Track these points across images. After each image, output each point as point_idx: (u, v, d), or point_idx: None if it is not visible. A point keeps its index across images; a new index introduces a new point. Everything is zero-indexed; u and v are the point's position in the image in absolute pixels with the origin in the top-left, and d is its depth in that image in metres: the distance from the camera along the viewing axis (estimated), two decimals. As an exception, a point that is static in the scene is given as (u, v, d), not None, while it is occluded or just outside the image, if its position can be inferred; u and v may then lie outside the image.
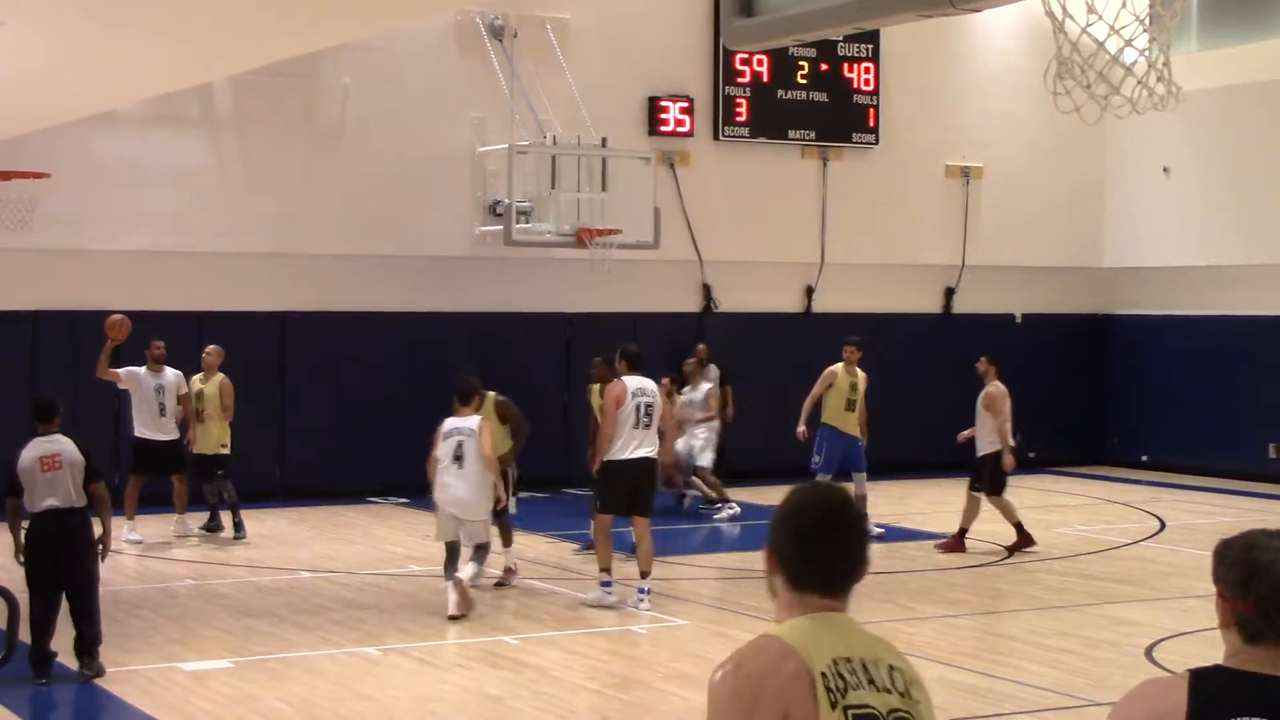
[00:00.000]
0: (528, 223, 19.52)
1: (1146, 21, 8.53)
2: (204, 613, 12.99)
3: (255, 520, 17.31)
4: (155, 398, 16.32)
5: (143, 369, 16.36)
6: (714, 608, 13.29)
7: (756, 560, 14.51)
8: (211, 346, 17.00)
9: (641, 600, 12.86)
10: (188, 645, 11.73)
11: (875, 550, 15.83)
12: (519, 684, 10.62)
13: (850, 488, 16.21)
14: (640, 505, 13.04)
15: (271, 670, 11.00)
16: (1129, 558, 15.89)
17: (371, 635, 12.11)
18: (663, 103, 21.65)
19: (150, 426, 16.32)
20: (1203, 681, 3.19)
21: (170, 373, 16.48)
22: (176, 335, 17.66)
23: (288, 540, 16.77)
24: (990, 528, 17.78)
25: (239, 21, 10.17)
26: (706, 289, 22.21)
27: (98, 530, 10.79)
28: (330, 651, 11.57)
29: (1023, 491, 17.82)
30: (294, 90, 19.72)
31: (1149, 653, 11.57)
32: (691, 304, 22.18)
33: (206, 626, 12.40)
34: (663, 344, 21.64)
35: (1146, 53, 8.83)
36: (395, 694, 10.35)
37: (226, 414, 16.72)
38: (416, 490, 20.02)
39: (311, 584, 14.37)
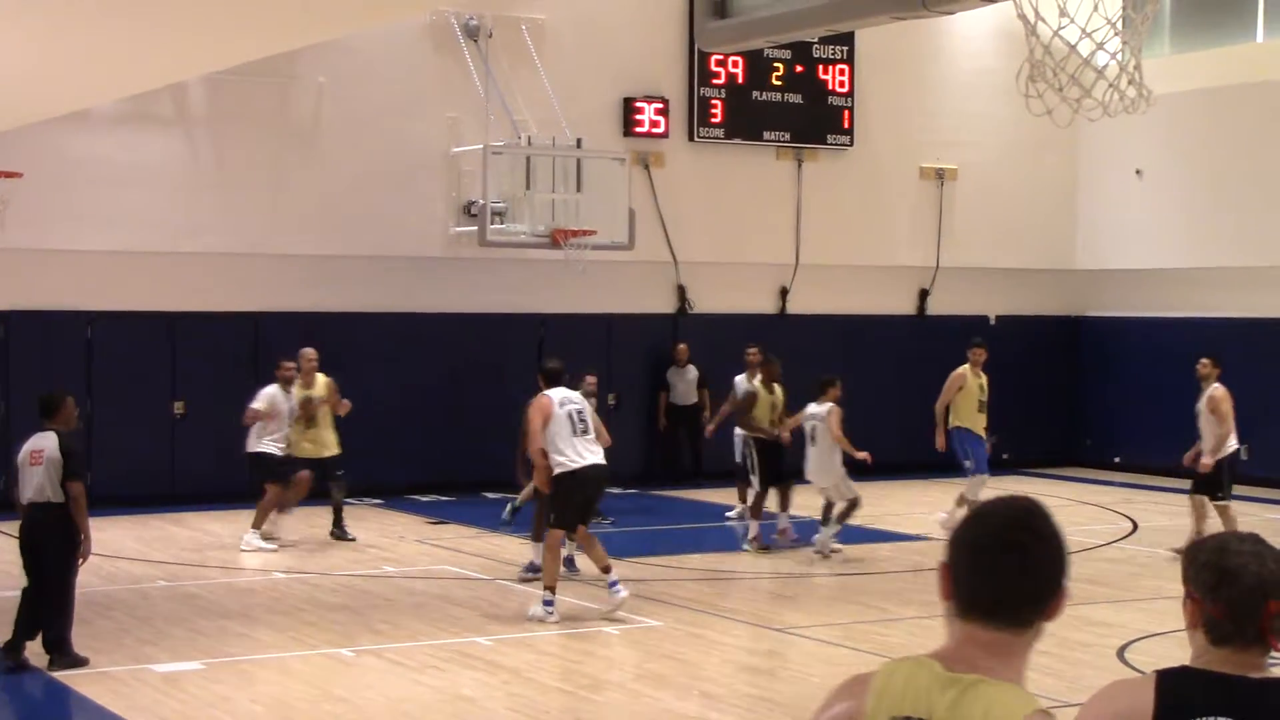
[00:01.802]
0: (502, 223, 19.50)
1: (1118, 25, 8.56)
2: (176, 614, 12.94)
3: (228, 521, 17.26)
4: (288, 418, 16.35)
5: (275, 389, 16.28)
6: (686, 609, 13.28)
7: (730, 560, 14.40)
8: (309, 350, 16.75)
9: (618, 591, 12.64)
10: (160, 646, 11.69)
11: (850, 551, 15.91)
12: (492, 685, 10.62)
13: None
14: (589, 515, 13.24)
15: (244, 671, 10.98)
16: (1102, 559, 15.94)
17: (345, 636, 12.09)
18: (638, 104, 21.65)
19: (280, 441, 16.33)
20: (1169, 682, 3.22)
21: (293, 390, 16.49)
22: (149, 336, 17.61)
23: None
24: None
25: (213, 20, 10.14)
26: (681, 290, 22.21)
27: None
28: (303, 652, 11.55)
29: (999, 493, 17.82)
30: (268, 90, 19.65)
31: (1121, 654, 11.62)
32: (666, 305, 22.18)
33: (178, 627, 12.36)
34: (637, 345, 21.68)
35: (1118, 56, 8.87)
36: (368, 695, 10.34)
37: (341, 409, 16.66)
38: (390, 491, 20.06)
39: (284, 585, 14.34)
